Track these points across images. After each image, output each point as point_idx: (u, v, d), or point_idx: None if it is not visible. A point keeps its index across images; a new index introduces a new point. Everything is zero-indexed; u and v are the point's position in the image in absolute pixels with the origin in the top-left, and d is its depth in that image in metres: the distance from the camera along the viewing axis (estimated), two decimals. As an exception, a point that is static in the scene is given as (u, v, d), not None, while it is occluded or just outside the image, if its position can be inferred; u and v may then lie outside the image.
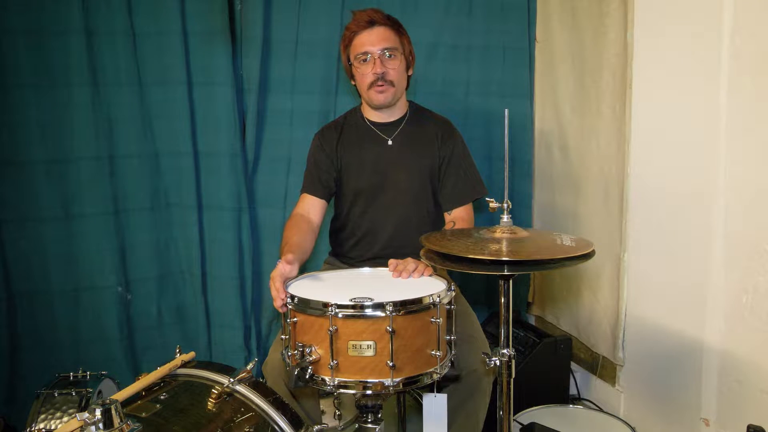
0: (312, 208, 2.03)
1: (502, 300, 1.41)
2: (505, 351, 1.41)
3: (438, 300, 1.45)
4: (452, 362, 1.55)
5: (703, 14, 1.86)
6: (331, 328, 1.39)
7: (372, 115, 2.07)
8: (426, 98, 2.57)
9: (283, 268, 1.59)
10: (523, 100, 2.76)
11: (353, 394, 1.50)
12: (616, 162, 2.23)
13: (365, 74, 1.95)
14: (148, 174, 2.59)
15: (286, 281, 1.58)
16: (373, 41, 1.93)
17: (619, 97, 2.20)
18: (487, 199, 1.48)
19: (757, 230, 1.75)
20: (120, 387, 1.84)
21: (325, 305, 1.40)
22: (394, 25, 1.98)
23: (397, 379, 1.42)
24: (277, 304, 1.52)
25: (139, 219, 2.60)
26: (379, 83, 1.94)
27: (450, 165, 2.04)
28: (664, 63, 2.02)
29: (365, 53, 1.93)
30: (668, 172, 2.04)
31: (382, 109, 2.03)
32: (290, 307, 1.47)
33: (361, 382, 1.41)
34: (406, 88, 2.07)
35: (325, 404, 2.06)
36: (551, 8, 2.65)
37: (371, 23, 1.93)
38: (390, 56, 1.94)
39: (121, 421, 1.17)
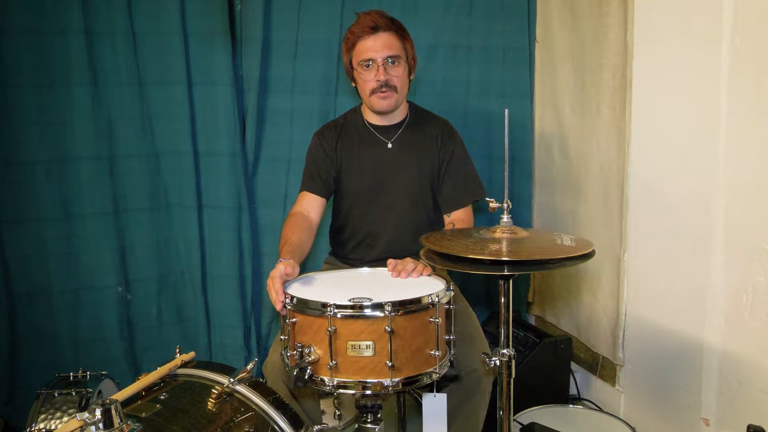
0: (311, 206, 2.02)
1: (502, 300, 1.41)
2: (505, 351, 1.42)
3: (437, 300, 1.45)
4: (452, 362, 1.55)
5: (703, 14, 1.86)
6: (330, 329, 1.39)
7: (372, 118, 2.06)
8: (426, 98, 2.57)
9: (285, 270, 1.57)
10: (523, 100, 2.76)
11: (353, 395, 1.50)
12: (616, 162, 2.23)
13: (368, 80, 1.94)
14: (148, 174, 2.59)
15: (285, 282, 1.58)
16: (377, 48, 1.91)
17: (619, 97, 2.20)
18: (487, 199, 1.48)
19: (757, 230, 1.75)
20: (120, 387, 1.85)
21: (324, 305, 1.40)
22: (398, 30, 1.95)
23: (397, 379, 1.41)
24: (278, 307, 1.51)
25: (139, 219, 2.60)
26: (383, 90, 1.92)
27: (449, 167, 2.03)
28: (664, 63, 2.02)
29: (368, 60, 1.92)
30: (668, 172, 2.04)
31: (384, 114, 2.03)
32: (289, 307, 1.47)
33: (360, 382, 1.41)
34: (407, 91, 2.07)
35: (325, 404, 2.06)
36: (551, 8, 2.65)
37: (375, 29, 1.91)
38: (393, 63, 1.92)
39: (121, 421, 1.17)
